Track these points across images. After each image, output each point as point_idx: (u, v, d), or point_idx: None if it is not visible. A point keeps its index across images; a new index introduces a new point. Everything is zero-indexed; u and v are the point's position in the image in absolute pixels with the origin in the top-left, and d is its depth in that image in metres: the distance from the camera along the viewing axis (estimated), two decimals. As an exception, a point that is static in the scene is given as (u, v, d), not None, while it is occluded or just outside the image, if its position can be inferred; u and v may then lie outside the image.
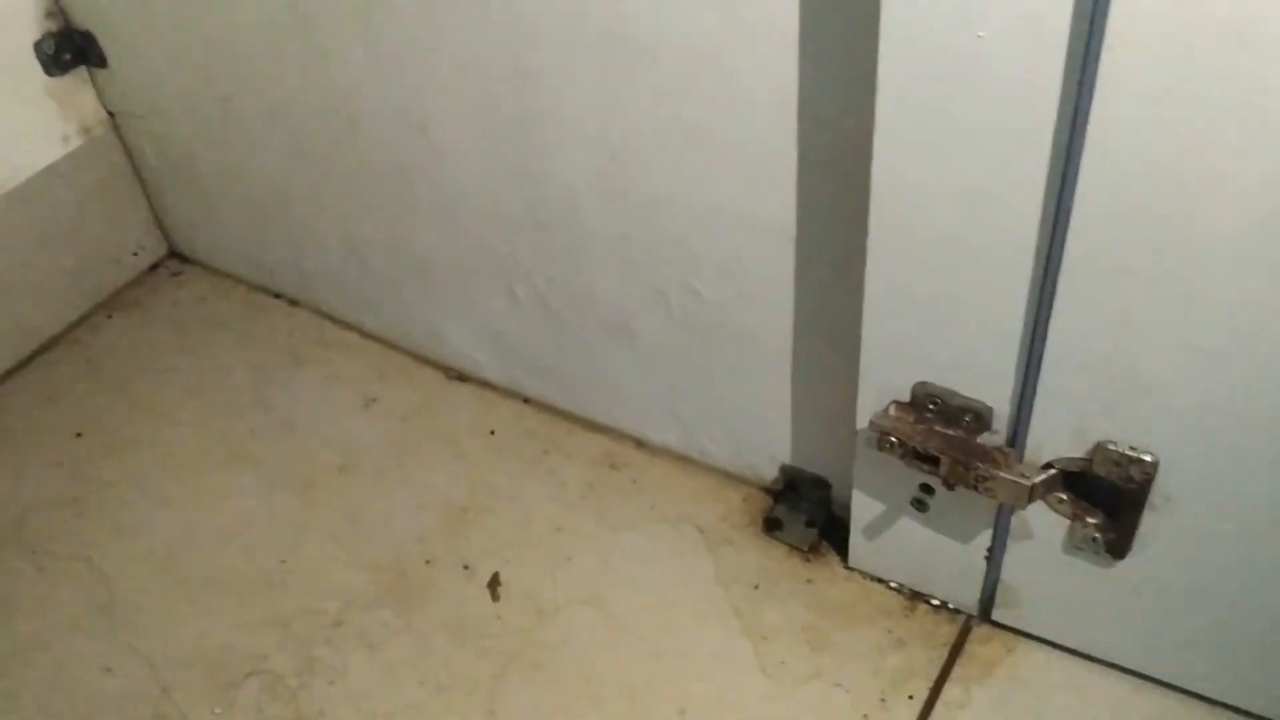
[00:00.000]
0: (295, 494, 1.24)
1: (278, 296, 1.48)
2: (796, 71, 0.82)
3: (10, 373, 1.40)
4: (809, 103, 0.84)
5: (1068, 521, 0.90)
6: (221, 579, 1.17)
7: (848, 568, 1.10)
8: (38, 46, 1.33)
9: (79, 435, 1.32)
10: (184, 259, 1.55)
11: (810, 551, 1.11)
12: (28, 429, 1.34)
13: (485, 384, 1.33)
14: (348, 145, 1.19)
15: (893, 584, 1.08)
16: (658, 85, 0.91)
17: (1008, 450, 0.88)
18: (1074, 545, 0.91)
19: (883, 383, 0.91)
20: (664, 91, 0.91)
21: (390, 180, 1.19)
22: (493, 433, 1.28)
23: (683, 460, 1.22)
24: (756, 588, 1.10)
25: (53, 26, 1.33)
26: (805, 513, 1.13)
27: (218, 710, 1.06)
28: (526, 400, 1.31)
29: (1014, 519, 0.94)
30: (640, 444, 1.24)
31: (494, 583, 1.14)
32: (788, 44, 0.81)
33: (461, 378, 1.35)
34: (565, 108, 0.98)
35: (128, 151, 1.46)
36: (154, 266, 1.54)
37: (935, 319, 0.85)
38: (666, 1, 0.85)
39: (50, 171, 1.37)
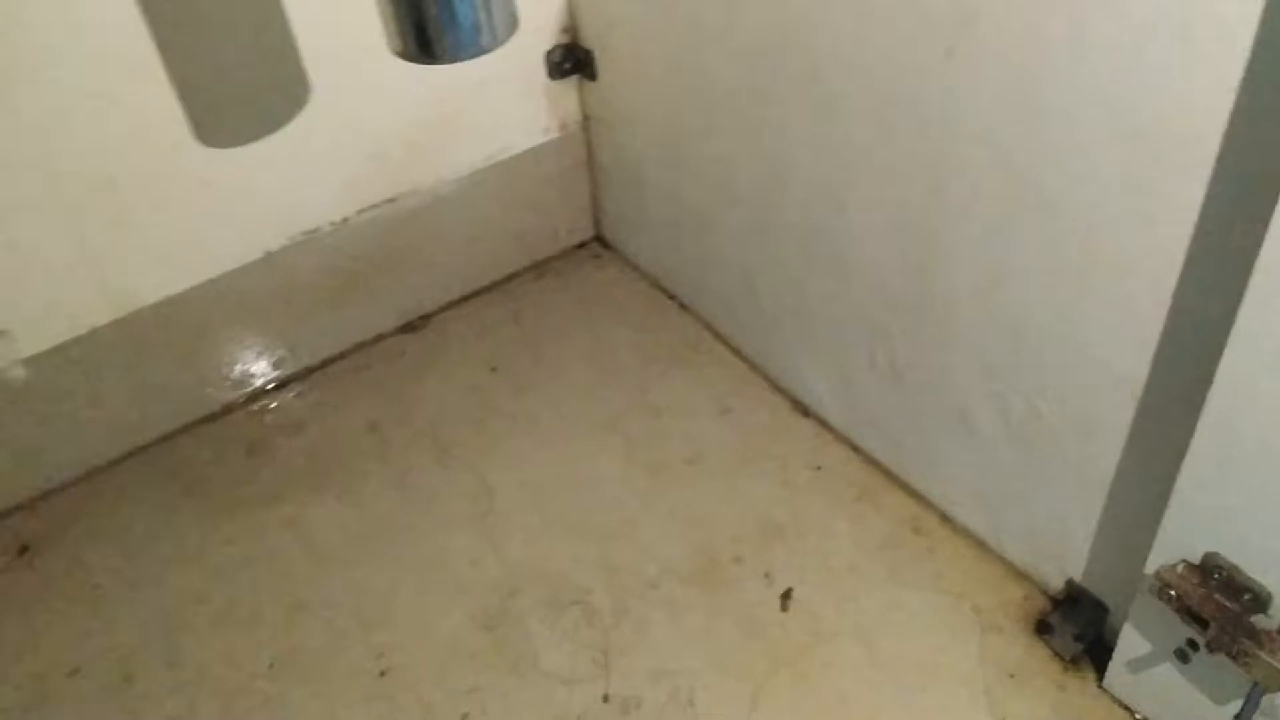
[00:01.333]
0: (648, 470, 1.45)
1: (672, 298, 1.71)
2: (1184, 252, 0.91)
3: (454, 304, 1.71)
4: (1186, 281, 0.93)
5: (1319, 717, 0.97)
6: (574, 519, 1.39)
7: (1100, 687, 1.17)
8: (548, 54, 1.61)
9: (493, 369, 1.61)
10: (605, 245, 1.82)
11: (1071, 662, 1.20)
12: (458, 352, 1.64)
13: (823, 424, 1.50)
14: (774, 199, 1.37)
15: (1139, 715, 1.15)
16: (1052, 233, 1.03)
17: (1277, 636, 0.94)
18: (1319, 740, 0.98)
19: (1178, 541, 0.99)
20: (1056, 240, 1.03)
21: (800, 237, 1.36)
22: (819, 468, 1.45)
23: (979, 544, 1.33)
24: (1012, 676, 1.19)
25: (563, 40, 1.61)
26: (1077, 626, 1.21)
27: (544, 617, 1.28)
28: (855, 448, 1.46)
29: (1266, 698, 1.00)
30: (945, 517, 1.36)
31: (786, 595, 1.29)
32: (1183, 229, 0.90)
33: (804, 412, 1.52)
34: (965, 228, 1.12)
35: (589, 149, 1.73)
36: (580, 245, 1.82)
37: (1242, 500, 0.92)
38: (1081, 171, 0.96)
39: (529, 153, 1.66)
